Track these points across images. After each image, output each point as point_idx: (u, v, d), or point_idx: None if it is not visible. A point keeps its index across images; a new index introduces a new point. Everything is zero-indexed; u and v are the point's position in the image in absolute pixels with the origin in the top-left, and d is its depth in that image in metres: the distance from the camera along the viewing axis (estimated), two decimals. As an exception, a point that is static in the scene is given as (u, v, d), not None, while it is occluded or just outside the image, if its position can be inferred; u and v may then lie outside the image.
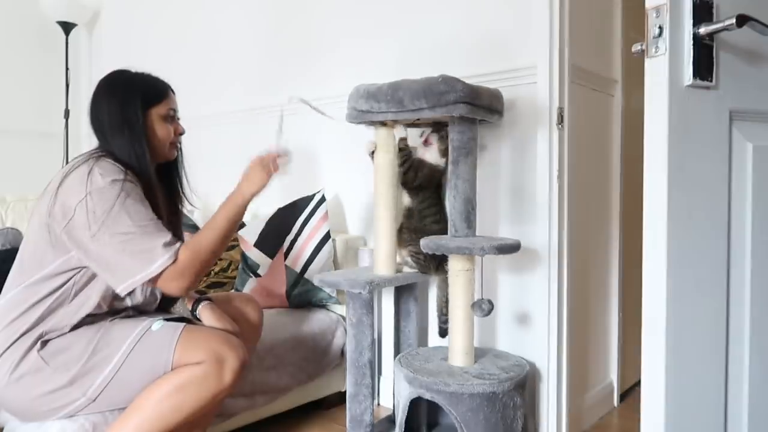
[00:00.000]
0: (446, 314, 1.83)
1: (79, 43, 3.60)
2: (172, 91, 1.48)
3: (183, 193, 1.56)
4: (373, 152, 1.77)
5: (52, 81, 3.43)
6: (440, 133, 1.80)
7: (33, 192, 2.68)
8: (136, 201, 1.27)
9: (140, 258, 1.24)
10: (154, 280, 1.26)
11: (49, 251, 1.27)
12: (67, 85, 3.40)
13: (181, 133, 1.48)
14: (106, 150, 1.35)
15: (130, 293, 1.31)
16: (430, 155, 1.79)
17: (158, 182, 1.42)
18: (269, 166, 1.44)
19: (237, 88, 2.71)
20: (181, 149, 1.53)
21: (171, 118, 1.44)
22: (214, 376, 1.27)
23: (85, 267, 1.28)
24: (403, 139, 1.73)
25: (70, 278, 1.28)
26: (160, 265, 1.24)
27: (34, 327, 1.26)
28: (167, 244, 1.26)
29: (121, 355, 1.26)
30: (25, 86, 3.42)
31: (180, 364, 1.26)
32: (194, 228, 2.27)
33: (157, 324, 1.31)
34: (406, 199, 1.83)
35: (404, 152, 1.74)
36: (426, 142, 1.80)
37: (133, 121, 1.36)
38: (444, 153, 1.79)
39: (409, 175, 1.76)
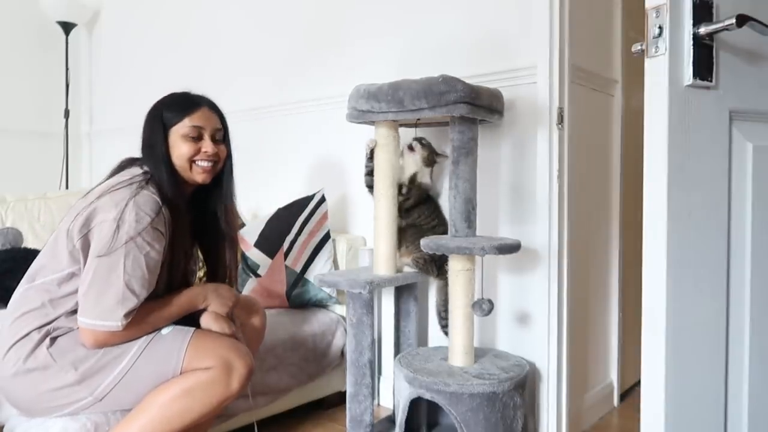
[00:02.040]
0: (445, 318, 1.86)
1: (79, 43, 3.60)
2: (212, 108, 1.44)
3: (220, 227, 1.48)
4: (372, 150, 1.77)
5: (52, 81, 3.44)
6: (422, 141, 1.83)
7: (33, 192, 2.68)
8: (141, 255, 1.24)
9: (101, 309, 1.22)
10: (85, 331, 1.23)
11: (66, 256, 1.28)
12: (67, 85, 3.40)
13: (206, 152, 1.38)
14: (150, 176, 1.34)
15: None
16: (413, 161, 1.83)
17: (188, 211, 1.41)
18: (228, 324, 1.39)
19: (238, 87, 2.71)
20: (224, 176, 1.46)
21: (194, 137, 1.38)
22: (222, 383, 1.27)
23: None
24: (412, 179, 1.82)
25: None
26: (107, 326, 1.22)
27: (47, 324, 1.27)
28: (127, 314, 1.23)
29: (131, 357, 1.26)
30: (25, 86, 3.42)
31: (188, 369, 1.27)
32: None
33: (167, 328, 1.32)
34: (400, 222, 1.85)
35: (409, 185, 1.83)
36: (410, 148, 1.82)
37: (153, 143, 1.36)
38: (427, 161, 1.84)
39: (409, 201, 1.82)
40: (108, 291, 1.22)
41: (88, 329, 1.23)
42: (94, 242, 1.24)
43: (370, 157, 1.79)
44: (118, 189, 1.28)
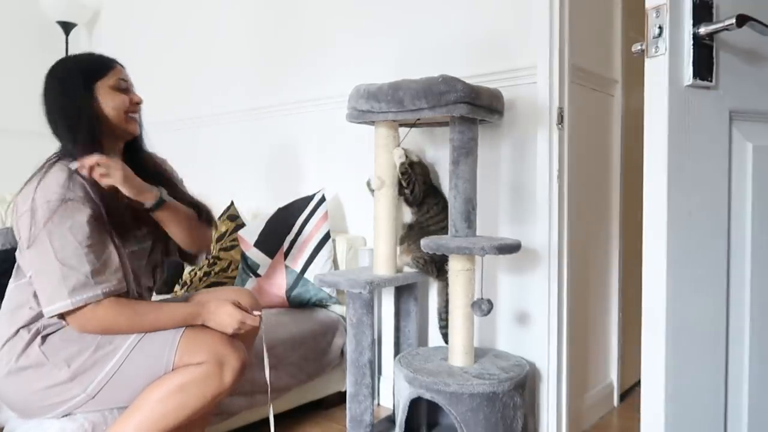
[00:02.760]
0: (445, 320, 1.86)
1: (79, 43, 3.60)
2: (121, 65, 1.42)
3: (155, 163, 1.49)
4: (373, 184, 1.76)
5: (52, 81, 3.43)
6: (404, 170, 1.75)
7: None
8: (65, 228, 1.21)
9: (49, 294, 1.21)
10: (67, 316, 1.22)
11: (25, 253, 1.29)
12: (67, 85, 3.39)
13: (138, 103, 1.40)
14: (60, 152, 1.32)
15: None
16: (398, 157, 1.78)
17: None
18: (242, 325, 1.35)
19: (237, 87, 2.71)
20: (141, 122, 1.45)
21: (123, 89, 1.38)
22: (215, 377, 1.27)
23: None
24: (404, 164, 1.74)
25: None
26: (58, 308, 1.20)
27: (34, 321, 1.27)
28: (75, 291, 1.19)
29: (123, 352, 1.26)
30: (25, 86, 3.39)
31: (181, 365, 1.27)
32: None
33: None
34: (407, 216, 1.84)
35: (406, 175, 1.75)
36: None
37: (76, 101, 1.32)
38: (421, 169, 1.81)
39: (415, 192, 1.78)
40: (46, 276, 1.21)
41: (65, 317, 1.23)
42: (22, 238, 1.24)
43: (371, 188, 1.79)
44: (29, 181, 1.28)
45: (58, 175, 1.25)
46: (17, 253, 1.34)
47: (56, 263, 1.20)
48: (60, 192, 1.22)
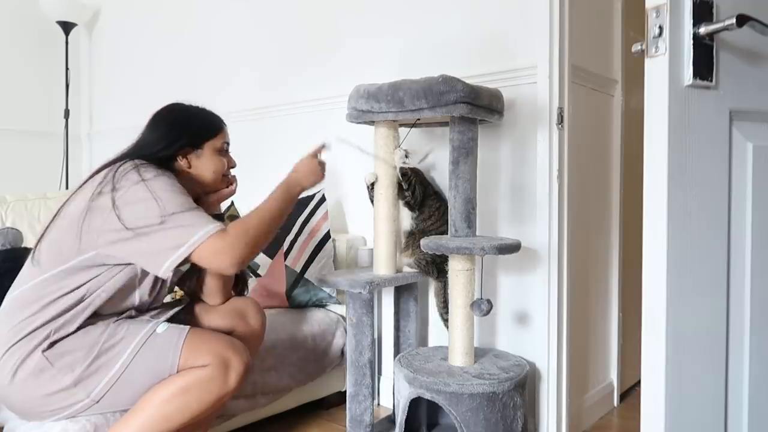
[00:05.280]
0: (447, 314, 1.86)
1: (79, 43, 3.60)
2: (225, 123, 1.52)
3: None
4: (373, 184, 1.76)
5: (52, 81, 3.44)
6: (408, 176, 1.77)
7: (33, 192, 2.68)
8: (183, 192, 1.29)
9: (184, 230, 1.23)
10: (200, 256, 1.23)
11: (72, 247, 1.26)
12: (67, 85, 3.40)
13: (233, 167, 1.52)
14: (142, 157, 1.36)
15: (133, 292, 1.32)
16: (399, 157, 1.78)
17: None
18: (322, 164, 1.56)
19: (237, 88, 2.71)
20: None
21: (225, 152, 1.49)
22: (219, 380, 1.27)
23: (104, 268, 1.27)
24: (405, 164, 1.74)
25: (89, 280, 1.27)
26: (205, 233, 1.22)
27: (43, 326, 1.24)
28: (212, 219, 1.26)
29: (127, 357, 1.25)
30: (25, 86, 3.42)
31: (185, 367, 1.27)
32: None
33: (162, 326, 1.31)
34: (407, 223, 1.83)
35: (406, 176, 1.75)
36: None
37: (170, 153, 1.40)
38: (415, 174, 1.80)
39: (416, 194, 1.77)
40: (174, 222, 1.22)
41: (204, 250, 1.23)
42: (135, 209, 1.23)
43: (371, 188, 1.78)
44: (127, 171, 1.28)
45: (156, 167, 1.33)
46: (45, 252, 1.29)
47: (185, 208, 1.24)
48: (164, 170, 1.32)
